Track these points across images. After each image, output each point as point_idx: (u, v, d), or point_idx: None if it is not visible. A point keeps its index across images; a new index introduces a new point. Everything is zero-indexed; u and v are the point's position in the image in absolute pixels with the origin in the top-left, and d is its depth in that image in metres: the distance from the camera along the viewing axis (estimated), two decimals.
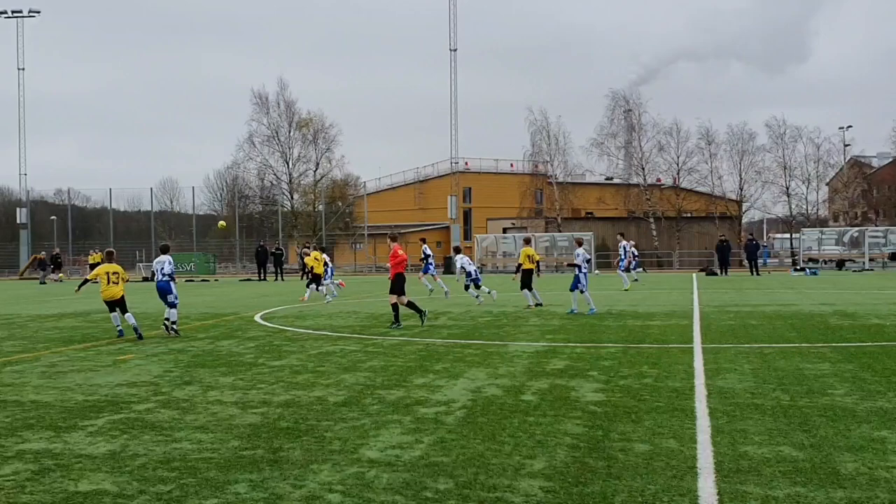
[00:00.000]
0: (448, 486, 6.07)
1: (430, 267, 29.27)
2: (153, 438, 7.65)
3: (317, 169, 76.84)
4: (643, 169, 70.54)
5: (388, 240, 19.57)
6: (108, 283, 17.03)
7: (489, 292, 25.32)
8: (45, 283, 51.11)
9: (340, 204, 76.31)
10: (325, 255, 29.21)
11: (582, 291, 20.94)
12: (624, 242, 35.30)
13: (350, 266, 70.33)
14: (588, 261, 21.79)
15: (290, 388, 10.30)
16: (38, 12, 71.80)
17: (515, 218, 73.44)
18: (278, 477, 6.36)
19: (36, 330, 18.62)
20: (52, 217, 75.51)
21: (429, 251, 29.52)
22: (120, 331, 16.91)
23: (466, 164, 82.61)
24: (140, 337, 16.35)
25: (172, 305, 17.03)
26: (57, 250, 58.42)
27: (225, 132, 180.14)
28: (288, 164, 76.15)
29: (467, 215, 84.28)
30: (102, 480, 6.31)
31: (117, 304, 17.08)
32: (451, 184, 71.87)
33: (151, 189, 74.22)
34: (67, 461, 6.88)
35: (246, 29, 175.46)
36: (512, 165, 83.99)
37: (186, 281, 50.92)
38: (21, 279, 60.61)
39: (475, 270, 26.02)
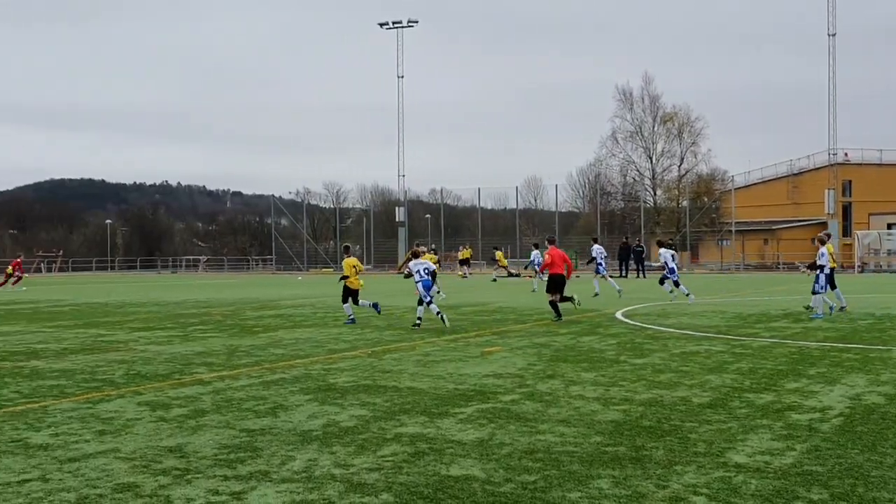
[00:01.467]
0: (822, 497, 5.66)
1: (601, 267, 29.35)
2: (518, 429, 7.85)
3: (681, 164, 75.74)
4: None
5: (547, 243, 21.23)
6: (355, 274, 19.60)
7: (687, 295, 24.64)
8: None
9: (706, 199, 74.42)
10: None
11: (816, 293, 19.47)
12: None
13: (716, 263, 68.38)
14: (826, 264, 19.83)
15: (652, 387, 10.16)
16: (416, 22, 76.84)
17: None
18: (641, 475, 6.27)
19: (412, 321, 19.88)
20: (427, 215, 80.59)
21: (596, 252, 29.55)
22: (352, 318, 19.20)
23: (846, 155, 77.08)
24: (378, 311, 19.86)
25: (431, 301, 18.28)
26: (434, 246, 62.09)
27: (588, 130, 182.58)
28: (651, 159, 75.66)
29: (846, 210, 78.56)
30: (472, 466, 6.56)
31: (353, 294, 19.43)
32: (828, 177, 67.60)
33: (517, 188, 76.88)
34: (440, 446, 7.23)
35: (610, 26, 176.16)
36: None
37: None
38: (399, 273, 65.29)
39: (675, 268, 25.30)
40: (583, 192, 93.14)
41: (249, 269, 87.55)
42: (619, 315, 20.75)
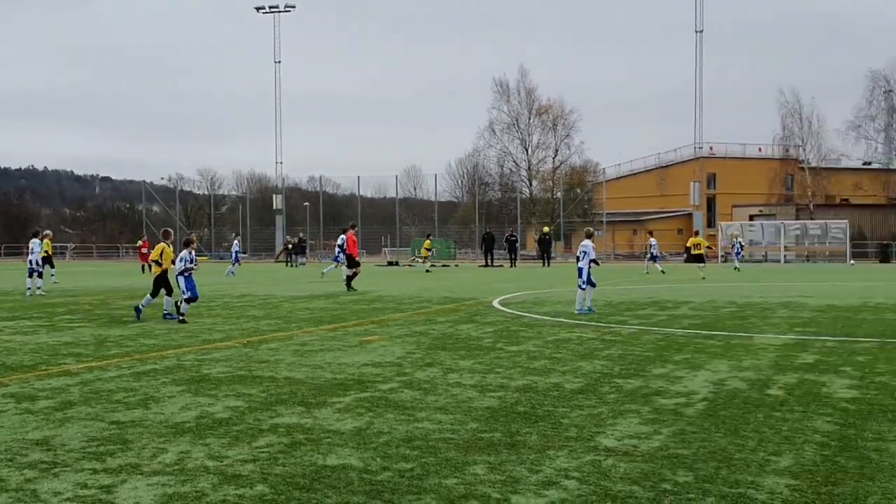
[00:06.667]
0: (688, 479, 5.88)
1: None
2: (396, 417, 7.90)
3: (556, 155, 77.05)
4: None
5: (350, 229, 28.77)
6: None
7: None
8: (295, 266, 54.13)
9: (579, 191, 76.06)
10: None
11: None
12: None
13: None
14: None
15: (526, 374, 10.35)
16: (294, 7, 75.96)
17: (763, 204, 70.55)
18: (515, 461, 6.40)
19: (290, 311, 19.72)
20: (305, 203, 79.85)
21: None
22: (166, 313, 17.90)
23: (711, 149, 79.94)
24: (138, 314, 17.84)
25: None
26: (301, 235, 61.49)
27: (467, 120, 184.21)
28: (527, 151, 76.80)
29: (711, 202, 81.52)
30: (349, 455, 6.57)
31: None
32: (694, 170, 70.14)
33: (396, 177, 77.23)
34: (317, 436, 7.21)
35: (486, 18, 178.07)
36: (760, 150, 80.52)
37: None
38: (276, 262, 64.53)
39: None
40: (462, 182, 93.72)
41: (119, 256, 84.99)
42: (496, 303, 21.03)
